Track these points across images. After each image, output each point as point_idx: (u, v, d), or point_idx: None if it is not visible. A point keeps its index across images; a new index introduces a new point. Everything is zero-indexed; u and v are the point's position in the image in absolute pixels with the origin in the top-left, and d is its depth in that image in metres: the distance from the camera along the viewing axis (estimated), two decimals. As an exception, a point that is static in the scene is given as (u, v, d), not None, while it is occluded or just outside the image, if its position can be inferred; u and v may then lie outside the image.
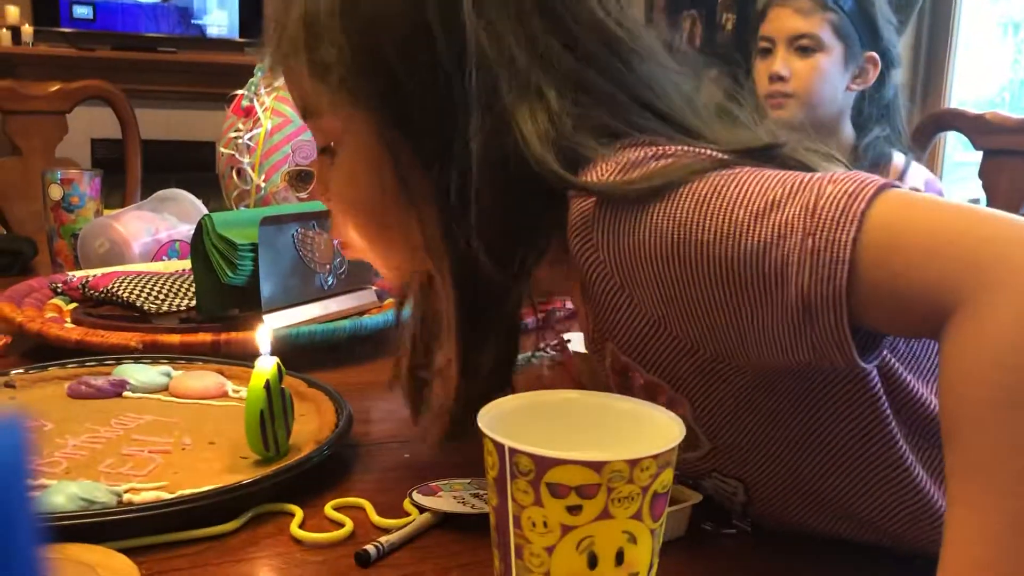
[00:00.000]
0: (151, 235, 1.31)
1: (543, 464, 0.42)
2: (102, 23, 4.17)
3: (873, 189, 0.46)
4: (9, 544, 0.19)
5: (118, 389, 0.80)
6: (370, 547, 0.56)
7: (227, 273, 0.97)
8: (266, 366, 0.66)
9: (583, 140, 0.56)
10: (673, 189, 0.51)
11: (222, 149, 1.45)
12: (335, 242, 1.05)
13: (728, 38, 3.85)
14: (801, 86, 1.67)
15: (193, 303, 1.04)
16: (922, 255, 0.44)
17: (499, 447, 0.44)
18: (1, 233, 1.84)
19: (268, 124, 1.42)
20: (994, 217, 0.44)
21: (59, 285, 1.12)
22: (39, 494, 0.58)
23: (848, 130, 1.72)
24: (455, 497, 0.63)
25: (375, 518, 0.61)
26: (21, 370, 0.83)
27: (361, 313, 1.07)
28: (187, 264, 1.12)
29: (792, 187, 0.48)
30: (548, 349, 0.82)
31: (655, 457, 0.43)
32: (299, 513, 0.61)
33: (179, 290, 1.08)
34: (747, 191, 0.49)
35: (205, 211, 1.35)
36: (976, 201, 1.86)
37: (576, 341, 0.79)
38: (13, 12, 3.99)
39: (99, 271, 1.16)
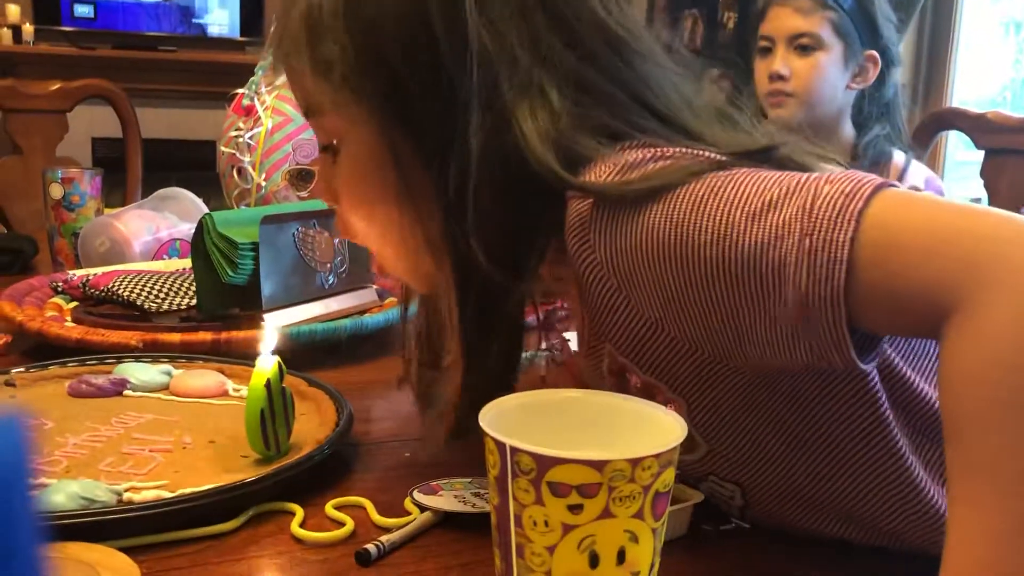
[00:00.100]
0: (152, 234, 1.31)
1: (544, 463, 0.42)
2: (103, 22, 4.17)
3: (870, 189, 0.46)
4: (9, 543, 0.19)
5: (118, 388, 0.80)
6: (371, 546, 0.56)
7: (228, 272, 0.97)
8: (267, 365, 0.66)
9: (583, 140, 0.56)
10: (670, 191, 0.51)
11: (223, 148, 1.45)
12: (336, 241, 1.05)
13: (729, 37, 3.85)
14: (801, 85, 1.67)
15: (194, 302, 1.04)
16: (920, 254, 0.44)
17: (500, 446, 0.44)
18: (2, 232, 1.84)
19: (269, 123, 1.42)
20: (992, 216, 0.44)
21: (60, 284, 1.12)
22: (39, 493, 0.58)
23: (848, 129, 1.72)
24: (456, 496, 0.62)
25: (376, 517, 0.61)
26: (22, 369, 0.83)
27: (362, 312, 1.07)
28: (188, 263, 1.12)
29: (789, 188, 0.48)
30: (550, 348, 0.82)
31: (657, 456, 0.43)
32: (300, 512, 0.61)
33: (180, 289, 1.08)
34: (744, 192, 0.49)
35: (206, 210, 1.35)
36: (978, 200, 1.86)
37: (576, 341, 0.79)
38: (14, 11, 3.99)
39: (100, 270, 1.16)
